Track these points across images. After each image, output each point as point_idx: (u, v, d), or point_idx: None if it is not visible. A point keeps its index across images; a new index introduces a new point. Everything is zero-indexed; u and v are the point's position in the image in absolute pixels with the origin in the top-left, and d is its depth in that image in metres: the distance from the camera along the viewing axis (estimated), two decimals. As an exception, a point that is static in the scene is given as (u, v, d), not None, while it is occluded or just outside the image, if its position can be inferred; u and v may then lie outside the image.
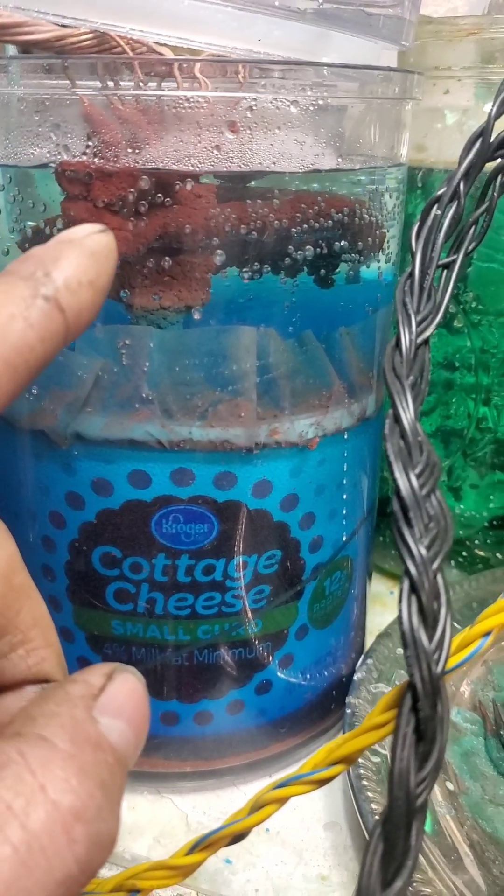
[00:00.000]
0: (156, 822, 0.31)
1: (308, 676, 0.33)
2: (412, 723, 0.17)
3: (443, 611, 0.18)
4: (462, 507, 0.45)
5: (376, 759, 0.30)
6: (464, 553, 0.44)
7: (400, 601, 0.18)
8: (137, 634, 0.31)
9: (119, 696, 0.17)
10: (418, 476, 0.19)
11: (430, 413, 0.45)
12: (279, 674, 0.32)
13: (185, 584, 0.30)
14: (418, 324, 0.22)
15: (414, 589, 0.18)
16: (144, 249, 0.26)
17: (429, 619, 0.18)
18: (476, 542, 0.46)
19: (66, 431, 0.28)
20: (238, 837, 0.20)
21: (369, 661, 0.35)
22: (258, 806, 0.19)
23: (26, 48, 0.23)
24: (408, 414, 0.20)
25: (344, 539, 0.33)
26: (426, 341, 0.22)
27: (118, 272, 0.26)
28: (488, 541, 0.45)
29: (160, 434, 0.27)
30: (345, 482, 0.31)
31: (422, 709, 0.17)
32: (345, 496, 0.32)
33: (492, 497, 0.44)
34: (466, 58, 0.38)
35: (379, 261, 0.29)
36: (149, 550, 0.29)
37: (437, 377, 0.44)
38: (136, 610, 0.30)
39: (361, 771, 0.29)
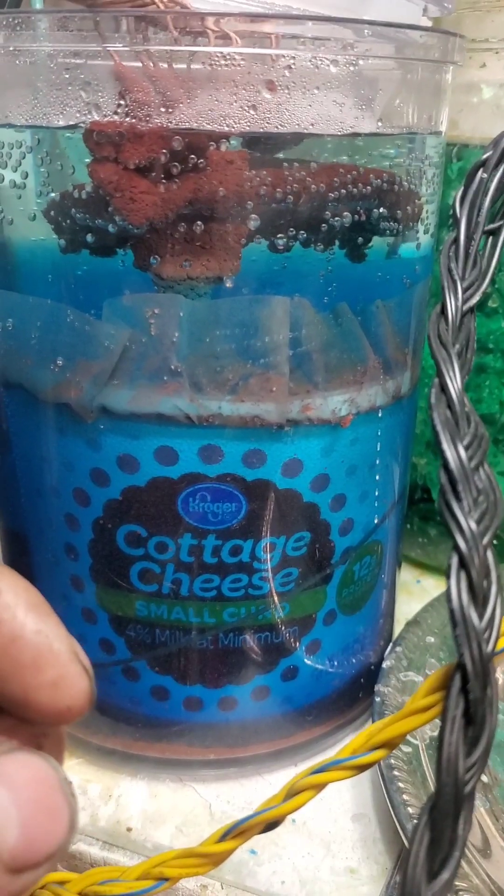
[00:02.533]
0: (178, 811, 0.30)
1: (335, 663, 0.32)
2: (461, 705, 0.16)
3: (493, 588, 0.17)
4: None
5: (408, 749, 0.29)
6: (495, 541, 0.43)
7: (448, 577, 0.17)
8: (162, 616, 0.30)
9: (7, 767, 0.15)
10: (466, 448, 0.18)
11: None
12: (306, 660, 0.32)
13: (212, 564, 0.29)
14: (464, 290, 0.21)
15: (463, 565, 0.17)
16: (174, 215, 0.25)
17: (479, 597, 0.17)
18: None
19: (92, 405, 0.27)
20: (272, 825, 0.19)
21: (398, 648, 0.34)
22: (294, 792, 0.19)
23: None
24: (455, 383, 0.19)
25: (375, 522, 0.32)
26: (472, 309, 0.21)
27: (146, 239, 0.25)
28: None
29: (189, 408, 0.26)
30: (377, 463, 0.30)
31: (472, 690, 0.16)
32: (377, 478, 0.31)
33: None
34: (504, 30, 0.37)
35: (417, 232, 0.28)
36: (175, 530, 0.28)
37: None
38: (161, 591, 0.29)
39: (392, 761, 0.28)
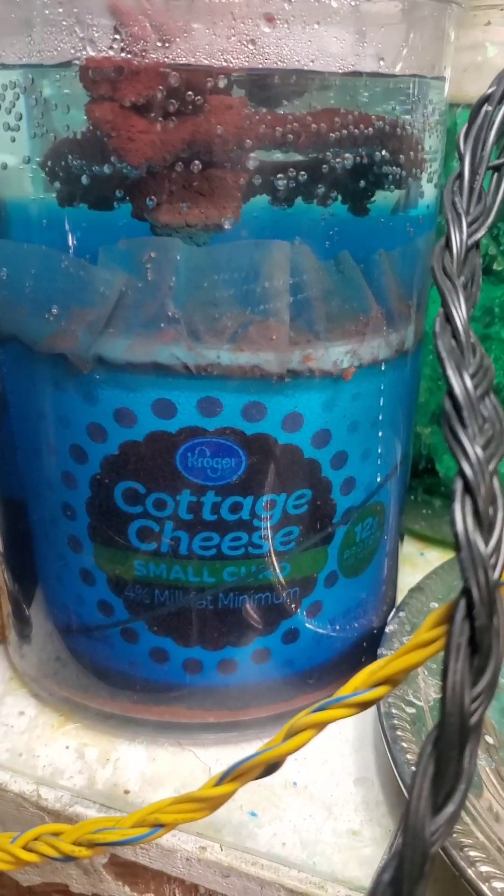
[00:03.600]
0: (177, 774, 0.29)
1: (337, 627, 0.32)
2: (466, 633, 0.16)
3: (500, 515, 0.16)
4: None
5: (411, 710, 0.28)
6: None
7: (452, 503, 0.16)
8: (161, 576, 0.29)
9: None
10: (472, 376, 0.18)
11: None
12: (307, 623, 0.31)
13: (211, 522, 0.28)
14: (469, 224, 0.21)
15: (469, 490, 0.16)
16: (172, 158, 0.25)
17: (484, 523, 0.16)
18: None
19: (88, 354, 0.26)
20: (272, 767, 0.18)
21: (401, 614, 0.34)
22: (294, 731, 0.18)
23: None
24: (460, 313, 0.19)
25: (378, 482, 0.31)
26: (477, 244, 0.21)
27: (143, 180, 0.25)
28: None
29: (186, 357, 0.26)
30: (380, 419, 0.30)
31: (477, 617, 0.15)
32: (380, 434, 0.30)
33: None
34: (509, -13, 0.36)
35: (421, 182, 0.28)
36: (173, 486, 0.28)
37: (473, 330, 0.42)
38: (160, 549, 0.29)
39: (395, 721, 0.28)
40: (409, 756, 0.26)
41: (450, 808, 0.15)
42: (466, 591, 0.15)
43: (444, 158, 0.30)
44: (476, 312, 0.42)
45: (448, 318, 0.19)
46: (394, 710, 0.28)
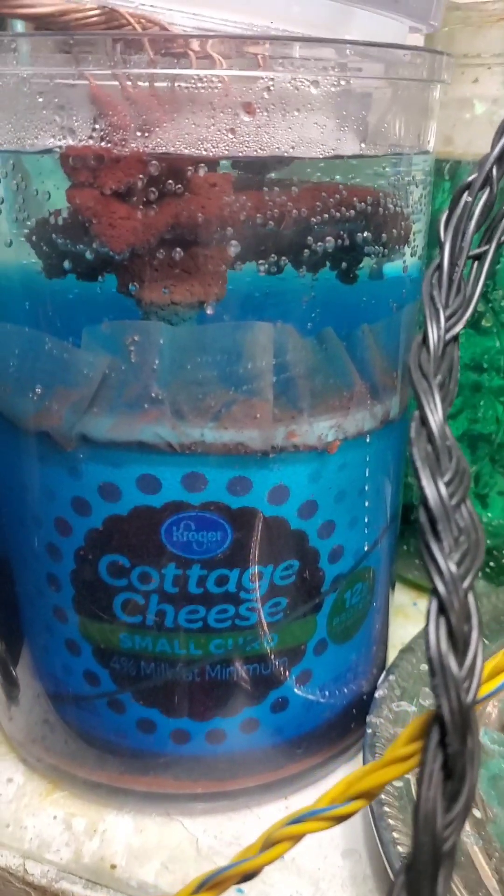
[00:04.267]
0: (164, 846, 0.29)
1: (327, 694, 0.32)
2: (439, 759, 0.15)
3: (474, 634, 0.16)
4: (490, 515, 0.43)
5: (398, 784, 0.28)
6: (491, 563, 0.42)
7: (427, 623, 0.16)
8: (147, 648, 0.29)
9: None
10: (447, 484, 0.18)
11: (456, 416, 0.43)
12: (296, 691, 0.31)
13: (197, 595, 0.28)
14: (447, 319, 0.21)
15: (443, 610, 0.16)
16: (155, 241, 0.25)
17: (458, 644, 0.16)
18: (504, 551, 0.44)
19: (72, 433, 0.26)
20: (249, 876, 0.18)
21: (391, 677, 0.33)
22: (270, 843, 0.18)
23: (29, 22, 0.22)
24: (436, 416, 0.19)
25: (366, 549, 0.31)
26: (455, 338, 0.21)
27: (127, 265, 0.25)
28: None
29: (170, 436, 0.26)
30: (367, 488, 0.29)
31: (450, 744, 0.15)
32: (367, 503, 0.30)
33: (521, 505, 0.43)
34: (496, 45, 0.36)
35: (404, 255, 0.28)
36: (158, 560, 0.27)
37: (464, 379, 0.42)
38: (146, 622, 0.28)
39: (383, 797, 0.28)
40: (394, 834, 0.26)
41: (423, 938, 0.15)
42: (439, 718, 0.15)
43: (428, 225, 0.30)
44: (465, 359, 0.42)
45: (423, 422, 0.19)
46: (381, 785, 0.28)
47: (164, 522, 0.27)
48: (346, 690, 0.32)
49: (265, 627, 0.29)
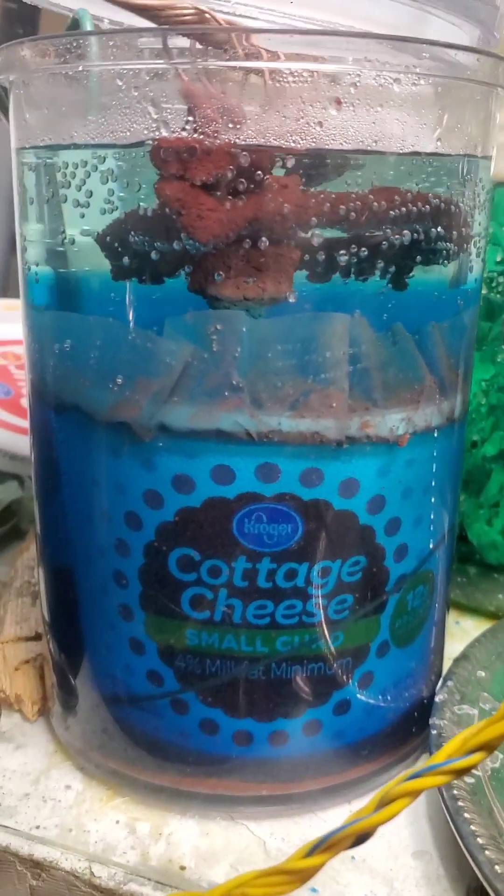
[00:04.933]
0: (232, 849, 0.29)
1: (388, 698, 0.32)
2: None
3: None
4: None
5: (470, 781, 0.28)
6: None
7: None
8: (213, 645, 0.29)
9: None
10: None
11: (490, 436, 0.44)
12: (359, 693, 0.31)
13: (266, 590, 0.28)
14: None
15: None
16: (234, 236, 0.25)
17: None
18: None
19: (151, 423, 0.26)
20: (363, 837, 0.18)
21: (449, 683, 0.33)
22: (387, 801, 0.18)
23: (131, 12, 0.23)
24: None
25: (429, 550, 0.31)
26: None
27: (206, 259, 0.25)
28: None
29: (249, 424, 0.26)
30: (432, 486, 0.30)
31: None
32: (431, 502, 0.30)
33: None
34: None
35: (471, 255, 0.29)
36: (229, 553, 0.28)
37: (496, 400, 0.43)
38: (213, 618, 0.28)
39: (456, 792, 0.27)
40: (472, 827, 0.26)
41: None
42: None
43: (488, 226, 0.31)
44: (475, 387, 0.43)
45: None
46: (453, 782, 0.28)
47: (236, 514, 0.27)
48: (406, 695, 0.32)
49: (331, 625, 0.29)
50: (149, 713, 0.31)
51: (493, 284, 0.40)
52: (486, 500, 0.44)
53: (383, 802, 0.18)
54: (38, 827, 0.29)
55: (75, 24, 0.25)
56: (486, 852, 0.25)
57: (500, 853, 0.25)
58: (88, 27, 0.26)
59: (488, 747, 0.17)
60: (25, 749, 0.33)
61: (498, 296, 0.40)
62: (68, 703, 0.33)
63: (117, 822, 0.30)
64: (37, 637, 0.39)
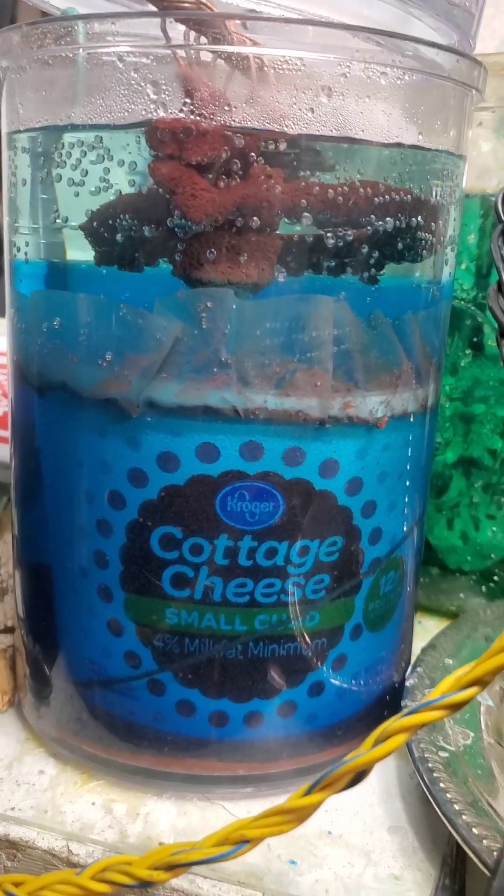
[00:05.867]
0: (210, 827, 0.29)
1: (360, 682, 0.32)
2: None
3: None
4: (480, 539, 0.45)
5: (444, 755, 0.29)
6: (495, 578, 0.44)
7: None
8: (192, 624, 0.29)
9: None
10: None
11: (449, 444, 0.45)
12: (332, 677, 0.31)
13: (247, 568, 0.29)
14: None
15: None
16: (222, 219, 0.26)
17: None
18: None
19: (139, 398, 0.27)
20: (360, 775, 0.19)
21: (419, 669, 0.34)
22: (384, 737, 0.18)
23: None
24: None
25: (400, 536, 0.32)
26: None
27: (195, 242, 0.26)
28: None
29: (236, 400, 0.27)
30: (406, 470, 0.31)
31: None
32: (404, 487, 0.31)
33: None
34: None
35: (446, 248, 0.30)
36: (212, 530, 0.28)
37: (453, 410, 0.44)
38: (194, 596, 0.29)
39: (430, 765, 0.28)
40: (448, 795, 0.26)
41: None
42: None
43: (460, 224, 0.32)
44: (460, 389, 0.44)
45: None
46: (427, 755, 0.29)
47: (220, 492, 0.28)
48: (378, 679, 0.33)
49: (308, 605, 0.30)
50: (125, 696, 0.31)
51: (458, 291, 0.42)
52: (446, 504, 0.45)
53: (380, 739, 0.18)
54: (12, 809, 0.29)
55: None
56: (464, 816, 0.25)
57: (477, 817, 0.25)
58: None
59: (481, 682, 0.18)
60: (-4, 737, 0.33)
61: (461, 302, 0.41)
62: (42, 693, 0.33)
63: (93, 803, 0.30)
64: (5, 630, 0.38)
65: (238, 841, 0.19)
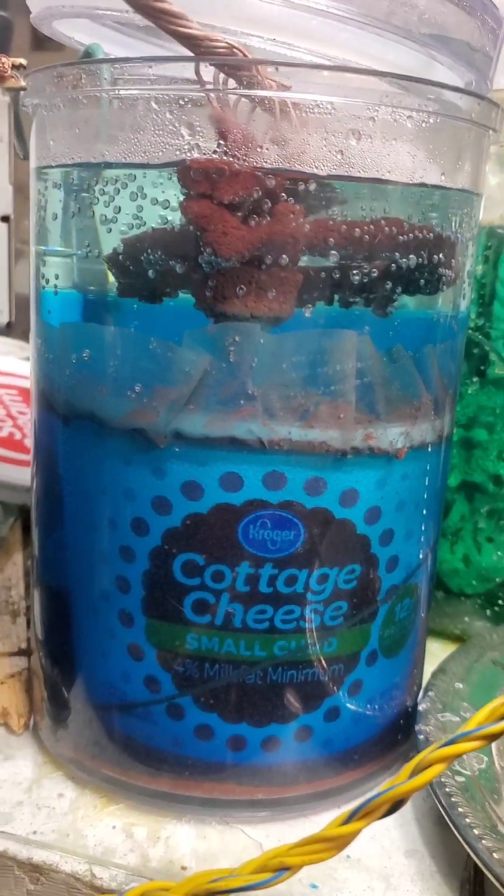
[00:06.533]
0: (230, 851, 0.29)
1: (375, 707, 0.33)
2: None
3: None
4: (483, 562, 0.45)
5: (461, 779, 0.29)
6: (500, 603, 0.45)
7: None
8: (213, 649, 0.30)
9: None
10: None
11: (452, 470, 0.46)
12: (348, 702, 0.32)
13: (267, 595, 0.29)
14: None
15: None
16: (249, 255, 0.27)
17: None
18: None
19: (167, 429, 0.28)
20: (398, 804, 0.19)
21: (430, 693, 0.35)
22: (422, 767, 0.19)
23: (176, 39, 0.24)
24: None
25: (416, 564, 0.33)
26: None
27: (220, 275, 0.27)
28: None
29: (261, 432, 0.27)
30: (423, 498, 0.32)
31: None
32: (420, 517, 0.32)
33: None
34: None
35: (464, 284, 0.31)
36: (233, 558, 0.29)
37: (458, 436, 0.45)
38: (215, 622, 0.29)
39: (448, 790, 0.29)
40: (468, 820, 0.27)
41: None
42: None
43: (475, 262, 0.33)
44: (469, 412, 0.45)
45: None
46: (444, 779, 0.29)
47: (242, 520, 0.28)
48: (392, 704, 0.33)
49: (326, 631, 0.30)
50: (144, 720, 0.31)
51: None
52: (449, 528, 0.46)
53: (418, 769, 0.19)
54: (34, 832, 0.29)
55: (87, 57, 0.27)
56: (484, 841, 0.26)
57: (497, 842, 0.26)
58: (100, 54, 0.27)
59: (517, 715, 0.19)
60: (14, 760, 0.34)
61: (468, 331, 0.42)
62: (59, 717, 0.33)
63: (114, 827, 0.30)
64: (20, 652, 0.39)
65: (277, 868, 0.20)
